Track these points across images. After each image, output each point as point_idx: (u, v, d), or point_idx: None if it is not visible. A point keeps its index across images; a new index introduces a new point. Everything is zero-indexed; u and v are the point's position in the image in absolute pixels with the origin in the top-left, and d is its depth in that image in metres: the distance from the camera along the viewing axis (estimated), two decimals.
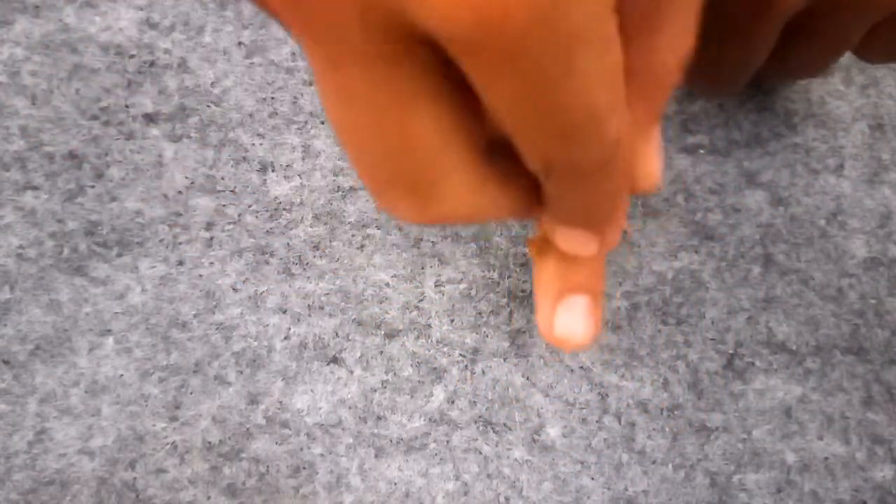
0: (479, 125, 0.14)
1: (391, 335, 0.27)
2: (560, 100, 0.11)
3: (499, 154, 0.15)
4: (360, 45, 0.12)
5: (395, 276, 0.27)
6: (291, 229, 0.28)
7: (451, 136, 0.13)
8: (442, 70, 0.13)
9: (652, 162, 0.17)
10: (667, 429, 0.26)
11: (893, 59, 0.26)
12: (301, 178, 0.28)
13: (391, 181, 0.14)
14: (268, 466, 0.25)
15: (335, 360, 0.26)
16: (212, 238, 0.27)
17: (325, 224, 0.28)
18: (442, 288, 0.27)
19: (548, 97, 0.11)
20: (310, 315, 0.27)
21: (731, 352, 0.27)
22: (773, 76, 0.27)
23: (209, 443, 0.26)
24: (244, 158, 0.28)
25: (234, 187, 0.28)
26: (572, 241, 0.18)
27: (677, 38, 0.15)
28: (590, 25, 0.11)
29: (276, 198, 0.28)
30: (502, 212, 0.16)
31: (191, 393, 0.26)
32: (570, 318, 0.20)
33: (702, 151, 0.29)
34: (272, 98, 0.28)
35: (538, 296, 0.21)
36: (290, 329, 0.27)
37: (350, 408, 0.26)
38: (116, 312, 0.27)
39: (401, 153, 0.13)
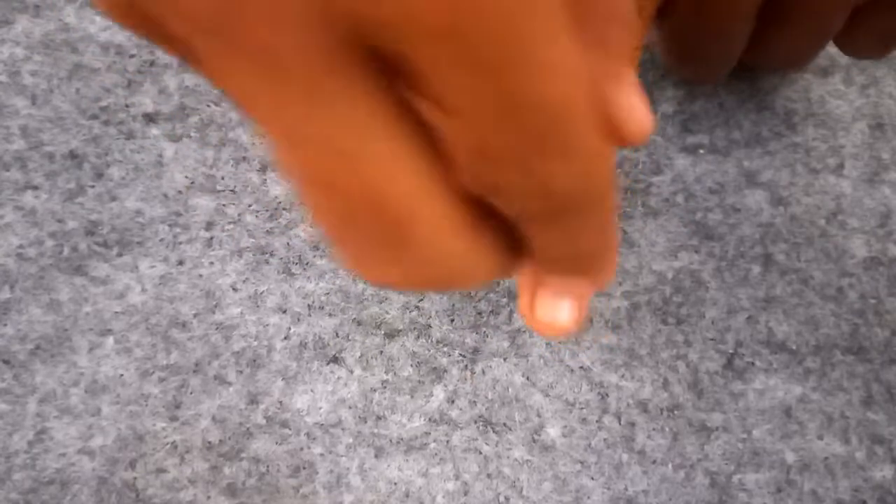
0: (447, 171, 0.12)
1: (391, 335, 0.27)
2: (516, 92, 0.10)
3: (473, 209, 0.13)
4: (307, 58, 0.10)
5: None
6: (291, 229, 0.28)
7: (422, 174, 0.11)
8: (396, 98, 0.11)
9: (633, 107, 0.15)
10: (667, 429, 0.26)
11: (876, 54, 0.26)
12: None
13: (361, 233, 0.12)
14: (268, 466, 0.25)
15: (335, 359, 0.26)
16: (212, 238, 0.27)
17: None
18: None
19: (502, 87, 0.10)
20: (310, 315, 0.27)
21: (731, 351, 0.27)
22: (758, 65, 0.27)
23: (209, 442, 0.26)
24: (244, 158, 0.28)
25: (234, 187, 0.28)
26: (563, 288, 0.16)
27: None
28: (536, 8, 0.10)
29: (276, 197, 0.28)
30: (487, 266, 0.14)
31: (191, 393, 0.26)
32: (553, 302, 0.19)
33: (702, 151, 0.29)
34: None
35: (519, 279, 0.20)
36: (290, 329, 0.27)
37: (350, 407, 0.26)
38: (116, 312, 0.27)
39: (367, 194, 0.11)
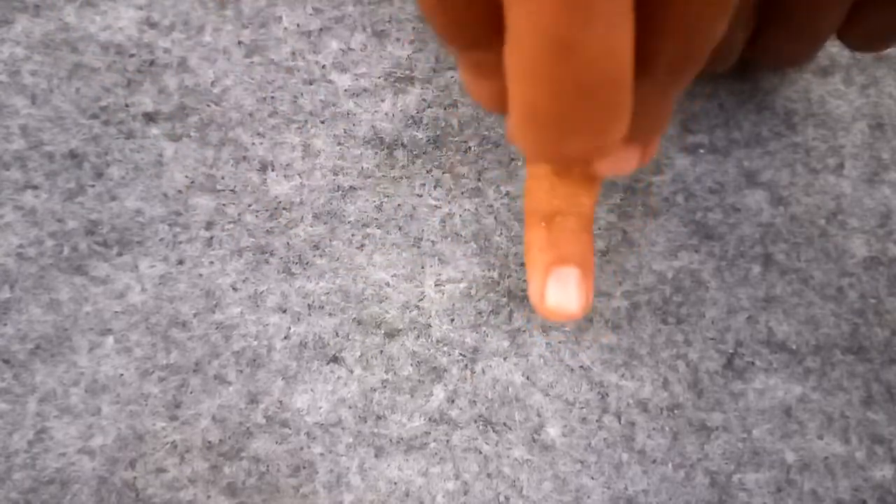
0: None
1: (391, 335, 0.27)
2: None
3: None
4: None
5: (394, 275, 0.27)
6: (291, 229, 0.28)
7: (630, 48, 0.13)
8: None
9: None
10: (667, 428, 0.26)
11: (876, 47, 0.26)
12: (301, 177, 0.28)
13: (593, 98, 0.13)
14: (268, 466, 0.25)
15: (335, 359, 0.26)
16: (212, 237, 0.27)
17: (325, 223, 0.28)
18: (442, 287, 0.27)
19: None
20: (310, 314, 0.27)
21: (731, 351, 0.27)
22: (758, 62, 0.27)
23: (209, 442, 0.26)
24: (244, 158, 0.28)
25: (234, 186, 0.28)
26: (621, 161, 0.18)
27: None
28: None
29: (276, 197, 0.28)
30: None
31: (191, 392, 0.26)
32: (561, 289, 0.20)
33: (702, 151, 0.29)
34: (272, 97, 0.28)
35: (529, 268, 0.21)
36: (290, 328, 0.27)
37: (350, 407, 0.26)
38: (116, 312, 0.27)
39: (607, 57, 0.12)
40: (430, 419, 0.26)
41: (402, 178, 0.28)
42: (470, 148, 0.28)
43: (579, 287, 0.20)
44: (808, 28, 0.24)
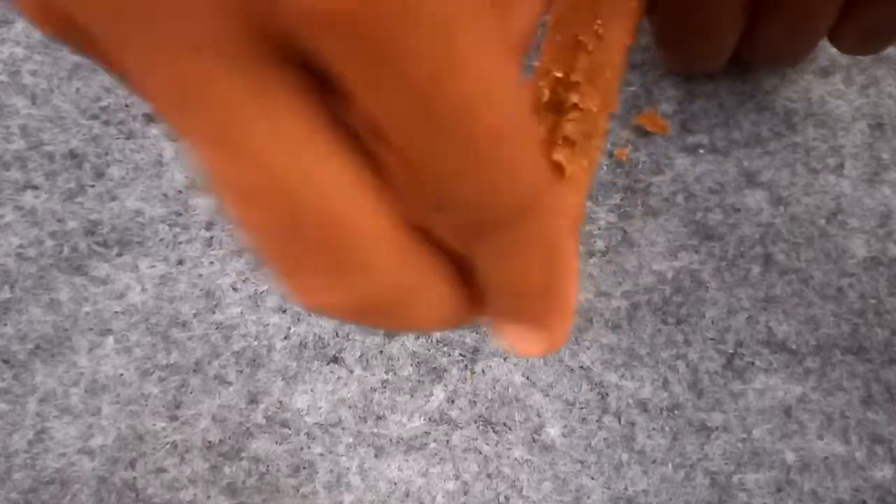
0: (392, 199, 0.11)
1: (391, 335, 0.27)
2: (442, 95, 0.09)
3: (422, 245, 0.12)
4: (226, 51, 0.09)
5: None
6: None
7: (368, 196, 0.11)
8: (337, 120, 0.10)
9: None
10: (667, 428, 0.26)
11: (867, 50, 0.26)
12: None
13: (303, 252, 0.11)
14: (268, 466, 0.25)
15: (335, 359, 0.27)
16: (212, 237, 0.27)
17: None
18: None
19: (423, 89, 0.09)
20: (310, 314, 0.27)
21: (731, 351, 0.27)
22: (752, 59, 0.27)
23: (209, 442, 0.26)
24: None
25: None
26: (515, 340, 0.15)
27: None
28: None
29: None
30: (438, 304, 0.13)
31: (191, 392, 0.26)
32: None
33: (702, 151, 0.29)
34: None
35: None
36: (290, 328, 0.27)
37: (350, 407, 0.26)
38: (116, 312, 0.27)
39: (314, 210, 0.10)
40: (430, 419, 0.26)
41: None
42: None
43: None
44: (802, 24, 0.24)
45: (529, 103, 0.11)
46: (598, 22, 0.22)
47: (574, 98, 0.22)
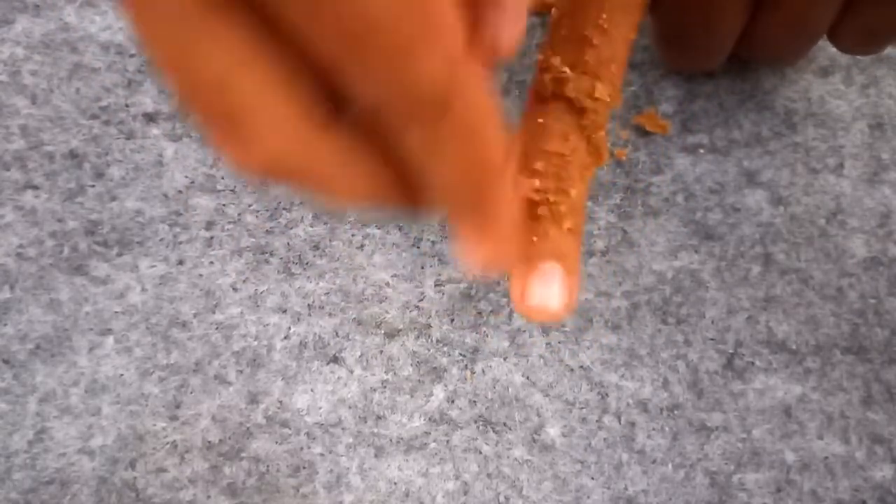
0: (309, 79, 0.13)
1: (391, 335, 0.27)
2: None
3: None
4: None
5: (394, 275, 0.27)
6: (291, 229, 0.28)
7: (267, 77, 0.12)
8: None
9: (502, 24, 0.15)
10: (667, 428, 0.26)
11: (866, 50, 0.26)
12: None
13: (208, 117, 0.13)
14: (268, 466, 0.25)
15: (335, 359, 0.26)
16: (212, 237, 0.27)
17: (325, 223, 0.28)
18: (442, 287, 0.27)
19: None
20: (310, 314, 0.27)
21: (731, 351, 0.27)
22: (751, 57, 0.27)
23: (209, 442, 0.26)
24: None
25: (234, 186, 0.28)
26: (464, 247, 0.16)
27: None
28: None
29: (276, 197, 0.28)
30: (351, 174, 0.14)
31: (191, 392, 0.26)
32: (543, 287, 0.20)
33: (702, 151, 0.29)
34: None
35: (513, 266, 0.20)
36: (290, 328, 0.27)
37: (350, 407, 0.26)
38: (116, 312, 0.27)
39: (206, 82, 0.12)
40: (430, 419, 0.26)
41: None
42: None
43: (562, 284, 0.20)
44: (802, 21, 0.24)
45: (446, 3, 0.12)
46: (604, 16, 0.22)
47: (580, 90, 0.22)
